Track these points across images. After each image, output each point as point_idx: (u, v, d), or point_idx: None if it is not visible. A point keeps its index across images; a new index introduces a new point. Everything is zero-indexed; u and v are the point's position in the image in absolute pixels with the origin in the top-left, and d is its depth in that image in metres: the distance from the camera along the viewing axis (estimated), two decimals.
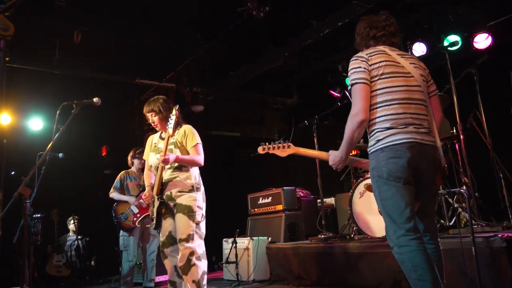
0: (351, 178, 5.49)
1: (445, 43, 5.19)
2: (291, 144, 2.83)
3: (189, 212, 3.36)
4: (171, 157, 3.36)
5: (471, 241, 2.96)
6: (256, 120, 8.70)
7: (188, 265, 3.29)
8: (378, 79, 2.36)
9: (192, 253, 3.30)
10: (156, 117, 3.60)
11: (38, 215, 6.58)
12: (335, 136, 6.92)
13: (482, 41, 5.22)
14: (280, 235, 5.74)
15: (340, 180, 6.09)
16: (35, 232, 6.49)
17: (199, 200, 3.44)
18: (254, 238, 5.45)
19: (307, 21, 5.40)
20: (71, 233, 7.37)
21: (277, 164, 8.78)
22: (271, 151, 2.87)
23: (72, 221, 7.34)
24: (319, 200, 5.89)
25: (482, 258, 3.11)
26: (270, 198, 6.16)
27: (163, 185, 3.46)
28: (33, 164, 3.52)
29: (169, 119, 3.42)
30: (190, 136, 3.56)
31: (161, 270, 5.33)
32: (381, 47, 2.48)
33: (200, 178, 3.60)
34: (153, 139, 3.72)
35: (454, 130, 4.44)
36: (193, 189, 3.44)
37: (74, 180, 7.56)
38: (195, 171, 3.55)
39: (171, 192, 3.44)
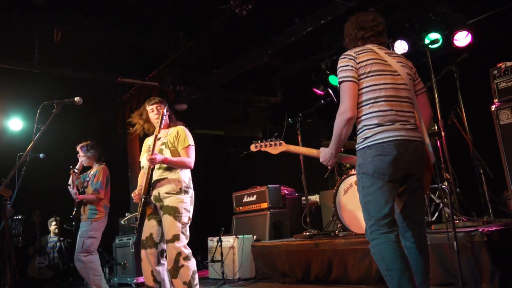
0: (335, 175, 5.53)
1: (426, 41, 5.25)
2: (282, 142, 2.91)
3: (175, 213, 3.32)
4: (158, 157, 3.32)
5: (453, 235, 3.01)
6: (240, 119, 8.68)
7: (176, 267, 3.24)
8: (366, 77, 2.40)
9: (179, 253, 3.26)
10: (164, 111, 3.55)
11: (19, 217, 6.46)
12: (318, 133, 7.00)
13: (462, 39, 5.31)
14: (265, 233, 5.75)
15: (324, 178, 6.13)
16: (16, 234, 6.38)
17: (186, 203, 3.39)
18: (239, 236, 5.45)
19: (290, 19, 5.42)
20: (52, 235, 7.26)
21: (261, 162, 8.80)
22: (263, 149, 2.94)
23: (53, 223, 7.22)
24: (303, 198, 5.92)
25: (464, 252, 3.17)
26: (255, 196, 6.17)
27: (151, 186, 3.42)
28: (13, 165, 3.45)
29: (162, 119, 3.42)
30: (182, 137, 3.51)
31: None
32: (369, 46, 2.52)
33: (191, 181, 3.56)
34: (148, 141, 3.68)
35: (436, 127, 4.51)
36: (181, 191, 3.39)
37: (55, 181, 7.43)
38: (185, 173, 3.50)
39: (158, 193, 3.40)
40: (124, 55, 6.17)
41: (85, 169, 4.93)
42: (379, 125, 2.35)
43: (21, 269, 6.53)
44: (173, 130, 3.57)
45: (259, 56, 6.18)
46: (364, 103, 2.40)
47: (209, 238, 5.85)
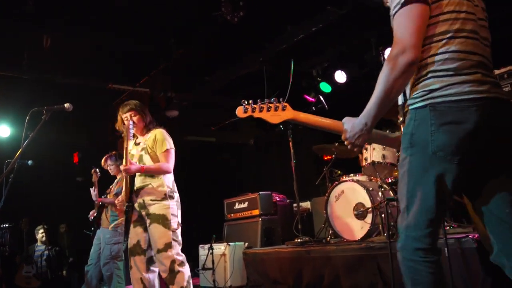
0: (326, 182, 5.53)
1: None
2: (287, 105, 1.95)
3: (164, 220, 3.27)
4: (133, 167, 3.27)
5: (444, 242, 3.01)
6: (231, 126, 8.68)
7: (173, 274, 3.21)
8: (439, 0, 1.59)
9: (173, 261, 3.23)
10: (137, 117, 3.50)
11: (6, 225, 6.37)
12: (310, 140, 7.01)
13: None
14: (257, 240, 5.72)
15: (315, 184, 6.13)
16: (2, 243, 6.28)
17: (173, 208, 3.36)
18: (230, 243, 5.41)
19: (282, 26, 5.44)
20: (39, 243, 7.16)
21: (253, 169, 8.79)
22: (256, 115, 1.95)
23: (40, 231, 7.12)
24: (295, 205, 5.91)
25: (454, 259, 3.17)
26: (246, 203, 6.14)
27: (133, 192, 3.38)
28: (0, 172, 3.40)
29: (128, 129, 3.36)
30: (160, 141, 3.43)
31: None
32: None
33: (175, 185, 3.51)
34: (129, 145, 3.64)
35: None
36: (166, 197, 3.35)
37: (44, 188, 7.35)
38: (168, 178, 3.45)
39: (143, 200, 3.36)
40: (115, 61, 6.14)
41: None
42: (457, 71, 1.54)
43: (8, 278, 6.42)
44: (151, 134, 3.50)
45: (250, 63, 6.20)
46: (435, 38, 1.59)
47: (200, 245, 5.80)
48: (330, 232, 4.89)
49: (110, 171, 4.95)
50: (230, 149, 9.17)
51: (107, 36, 5.61)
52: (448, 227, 3.85)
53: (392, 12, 1.62)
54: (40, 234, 7.11)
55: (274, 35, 5.64)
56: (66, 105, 3.33)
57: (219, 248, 5.43)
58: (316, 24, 5.16)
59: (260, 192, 6.03)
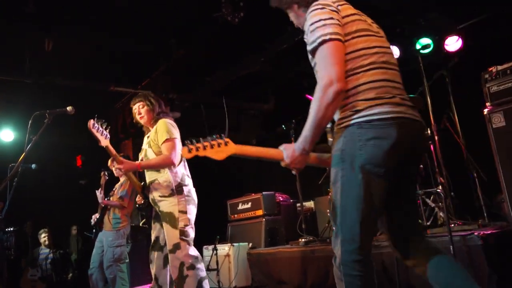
0: (329, 181, 5.51)
1: (417, 46, 5.30)
2: (229, 140, 2.05)
3: (171, 219, 3.19)
4: (127, 166, 3.18)
5: (449, 240, 3.00)
6: (233, 126, 8.67)
7: (181, 278, 3.12)
8: (352, 38, 1.80)
9: (182, 264, 3.14)
10: (144, 108, 3.40)
11: (11, 229, 6.38)
12: None
13: (453, 43, 5.36)
14: (261, 241, 5.71)
15: (318, 184, 6.12)
16: (8, 246, 6.29)
17: (181, 204, 3.22)
18: (234, 244, 5.41)
19: (282, 26, 5.44)
20: (42, 246, 7.17)
21: (254, 169, 8.78)
22: (201, 153, 2.00)
23: (43, 235, 7.13)
24: (298, 204, 5.90)
25: (460, 256, 3.16)
26: (249, 203, 6.13)
27: (145, 188, 3.36)
28: (4, 176, 3.41)
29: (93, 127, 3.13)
30: (160, 132, 3.27)
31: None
32: None
33: (186, 178, 3.35)
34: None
35: (429, 131, 4.53)
36: (173, 192, 3.22)
37: (48, 192, 7.37)
38: (176, 171, 3.29)
39: (153, 197, 3.30)
40: (116, 63, 6.15)
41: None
42: (377, 98, 1.75)
43: (13, 282, 6.44)
44: (155, 127, 3.37)
45: (251, 63, 6.19)
46: (354, 71, 1.79)
47: (204, 246, 5.80)
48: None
49: (114, 172, 4.94)
50: None
51: (108, 38, 5.62)
52: (452, 225, 3.84)
53: (309, 48, 1.83)
54: (43, 238, 7.12)
55: (274, 35, 5.64)
56: (69, 108, 3.32)
57: (223, 249, 5.43)
58: None
59: (264, 192, 6.02)
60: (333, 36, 1.74)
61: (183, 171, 3.37)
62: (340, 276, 1.82)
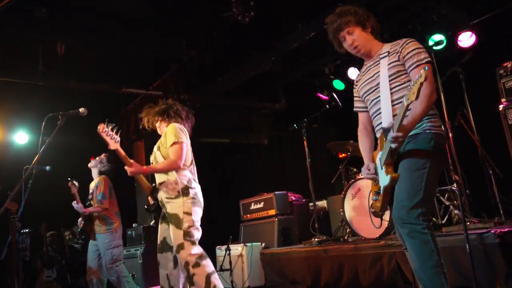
0: (342, 180, 5.48)
1: (430, 43, 5.22)
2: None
3: (176, 220, 3.25)
4: (134, 169, 3.21)
5: (465, 238, 2.96)
6: (245, 126, 8.67)
7: (189, 276, 3.18)
8: None
9: (186, 263, 3.20)
10: (163, 124, 3.54)
11: (26, 230, 6.45)
12: (324, 138, 6.97)
13: (466, 39, 5.27)
14: (274, 240, 5.70)
15: (331, 183, 6.09)
16: (23, 248, 6.36)
17: (186, 206, 3.26)
18: (247, 244, 5.40)
19: (292, 25, 5.42)
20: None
21: (267, 169, 8.77)
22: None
23: (49, 239, 7.17)
24: (311, 204, 5.87)
25: (476, 255, 3.11)
26: (262, 203, 6.12)
27: (154, 190, 3.42)
28: (19, 178, 3.44)
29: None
30: (168, 135, 3.33)
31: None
32: None
33: (192, 181, 3.39)
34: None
35: (443, 128, 4.47)
36: (179, 194, 3.26)
37: (62, 193, 7.43)
38: (183, 173, 3.33)
39: (161, 198, 3.36)
40: (128, 65, 6.19)
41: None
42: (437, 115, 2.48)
43: (29, 284, 6.51)
44: (165, 130, 3.44)
45: (262, 62, 6.18)
46: None
47: (217, 247, 5.80)
48: (348, 230, 4.85)
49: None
50: (244, 150, 9.15)
51: (120, 41, 5.67)
52: (468, 223, 3.78)
53: (417, 63, 2.39)
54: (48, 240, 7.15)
55: (285, 34, 5.62)
56: (81, 109, 3.34)
57: (236, 249, 5.42)
58: None
59: (276, 192, 6.00)
60: (431, 60, 2.40)
61: (189, 176, 3.40)
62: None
